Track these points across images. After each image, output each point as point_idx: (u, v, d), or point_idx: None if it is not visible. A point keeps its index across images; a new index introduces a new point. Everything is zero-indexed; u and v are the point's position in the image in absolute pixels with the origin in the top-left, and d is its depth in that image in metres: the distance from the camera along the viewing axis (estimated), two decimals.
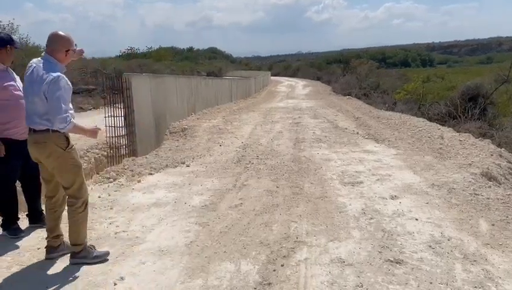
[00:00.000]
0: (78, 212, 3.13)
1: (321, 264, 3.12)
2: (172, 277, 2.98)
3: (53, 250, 3.27)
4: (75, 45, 3.23)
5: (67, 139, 3.06)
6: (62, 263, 3.19)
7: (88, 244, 3.25)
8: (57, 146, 3.02)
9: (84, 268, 3.10)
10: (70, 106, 3.11)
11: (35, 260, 3.25)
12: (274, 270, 3.04)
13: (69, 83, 3.06)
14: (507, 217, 4.02)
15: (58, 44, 3.08)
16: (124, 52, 42.59)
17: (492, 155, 6.59)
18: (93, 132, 3.23)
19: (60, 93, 2.92)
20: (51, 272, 3.07)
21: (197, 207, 4.46)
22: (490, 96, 17.91)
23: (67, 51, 3.11)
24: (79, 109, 13.23)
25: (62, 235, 3.32)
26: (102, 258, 3.20)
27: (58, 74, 2.97)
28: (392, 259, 3.17)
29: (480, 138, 8.50)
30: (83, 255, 3.17)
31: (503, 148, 7.70)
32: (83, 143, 7.63)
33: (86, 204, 3.19)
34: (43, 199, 4.07)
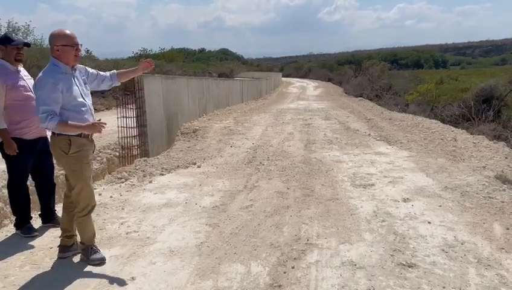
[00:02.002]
0: (79, 216, 3.16)
1: (332, 267, 3.10)
2: (183, 277, 2.98)
3: (66, 249, 3.31)
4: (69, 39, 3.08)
5: (70, 143, 3.03)
6: (74, 262, 3.22)
7: (93, 245, 3.26)
8: (60, 149, 3.06)
9: (96, 268, 3.12)
10: (76, 102, 3.05)
11: (48, 259, 3.28)
12: (284, 273, 3.02)
13: (56, 81, 2.95)
14: None
15: (49, 43, 3.09)
16: (137, 53, 42.93)
17: (506, 158, 6.48)
18: (90, 127, 3.02)
19: (40, 93, 2.95)
20: (63, 271, 3.10)
21: (207, 208, 4.47)
22: (505, 98, 17.67)
23: (54, 47, 3.03)
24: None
25: (76, 235, 3.34)
26: (96, 262, 3.18)
27: (42, 74, 2.99)
28: (404, 263, 3.13)
29: (494, 140, 8.37)
30: (83, 254, 3.23)
31: None
32: (95, 143, 7.70)
33: (89, 210, 3.16)
34: (56, 197, 4.14)
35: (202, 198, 4.82)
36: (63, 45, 3.04)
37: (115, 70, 3.51)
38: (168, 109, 9.73)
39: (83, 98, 3.14)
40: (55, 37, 3.05)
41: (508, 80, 19.73)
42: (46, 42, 18.07)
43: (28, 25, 18.48)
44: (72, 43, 3.07)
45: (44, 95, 2.94)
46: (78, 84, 3.14)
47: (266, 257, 3.28)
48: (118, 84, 3.53)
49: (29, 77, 3.78)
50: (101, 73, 3.44)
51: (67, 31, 3.09)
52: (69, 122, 2.99)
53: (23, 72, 3.76)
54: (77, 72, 3.20)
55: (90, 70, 3.39)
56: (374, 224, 3.93)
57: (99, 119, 3.09)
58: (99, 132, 3.06)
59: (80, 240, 3.27)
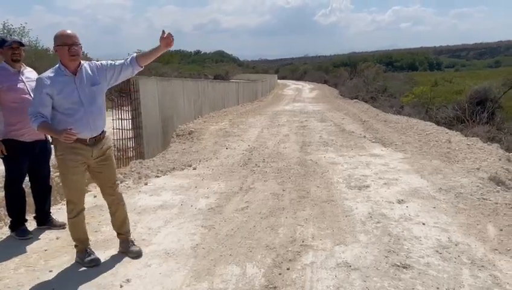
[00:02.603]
0: (68, 217, 3.20)
1: (327, 268, 3.11)
2: (178, 279, 2.98)
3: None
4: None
5: (57, 145, 3.03)
6: (69, 265, 3.22)
7: (88, 247, 3.28)
8: (55, 148, 3.10)
9: (91, 270, 3.12)
10: (69, 106, 2.98)
11: (42, 262, 3.27)
12: (280, 274, 3.03)
13: (45, 83, 2.92)
14: None
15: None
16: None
17: (500, 160, 6.53)
18: (60, 135, 2.84)
19: (33, 95, 3.01)
20: (58, 273, 3.09)
21: (203, 210, 4.47)
22: (498, 101, 17.82)
23: (54, 47, 3.01)
24: None
25: (123, 233, 3.43)
26: (90, 264, 3.17)
27: (39, 75, 3.06)
28: (398, 264, 3.15)
29: (488, 142, 8.43)
30: (78, 256, 3.25)
31: (511, 153, 7.63)
32: None
33: (78, 212, 3.16)
34: (52, 200, 4.13)
35: (198, 200, 4.82)
36: (58, 45, 2.98)
37: (134, 54, 3.23)
38: (163, 111, 9.73)
39: (81, 102, 3.01)
40: (55, 38, 3.00)
41: (501, 82, 19.90)
42: (41, 44, 18.02)
43: (24, 27, 18.45)
44: (64, 42, 2.94)
45: (34, 97, 3.00)
46: (79, 87, 3.02)
47: (261, 258, 3.29)
48: (140, 69, 3.24)
49: (34, 79, 3.74)
50: (118, 63, 3.19)
51: (67, 31, 3.00)
52: (48, 125, 2.94)
53: (29, 74, 3.72)
54: (84, 73, 3.06)
55: (108, 64, 3.18)
56: (368, 225, 3.95)
57: (70, 129, 2.83)
58: (66, 140, 2.84)
59: (74, 243, 3.28)
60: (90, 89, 3.08)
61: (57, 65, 3.05)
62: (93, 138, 3.09)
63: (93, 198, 4.73)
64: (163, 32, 3.05)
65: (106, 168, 3.24)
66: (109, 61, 3.22)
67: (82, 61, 3.09)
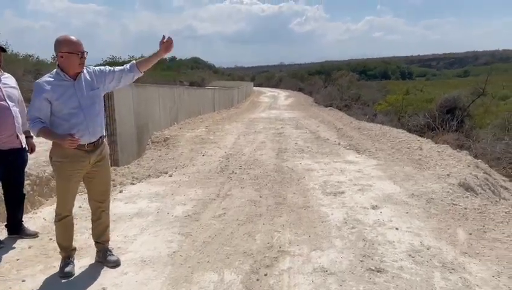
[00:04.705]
0: (54, 220, 3.17)
1: (304, 274, 3.15)
2: (155, 287, 2.96)
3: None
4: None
5: (53, 150, 2.99)
6: (42, 274, 3.15)
7: (68, 257, 3.21)
8: (51, 154, 3.03)
9: (66, 279, 3.06)
10: (68, 111, 2.93)
11: (14, 271, 3.18)
12: (257, 280, 3.05)
13: (44, 89, 2.88)
14: (484, 226, 4.13)
15: (54, 50, 2.95)
16: (106, 60, 42.22)
17: (469, 166, 6.76)
18: (63, 140, 2.85)
19: (32, 99, 2.92)
20: (31, 283, 3.02)
21: (180, 217, 4.45)
22: (467, 109, 18.45)
23: (58, 54, 2.93)
24: None
25: (101, 242, 3.36)
26: (64, 274, 3.11)
27: (37, 80, 2.98)
28: (373, 268, 3.22)
29: (457, 149, 8.71)
30: (60, 263, 3.20)
31: (479, 160, 7.92)
32: None
33: (60, 219, 3.11)
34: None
35: (174, 207, 4.79)
36: (67, 52, 2.91)
37: (134, 61, 3.22)
38: (138, 118, 9.63)
39: (80, 107, 2.97)
40: (60, 43, 2.92)
41: (470, 92, 20.62)
42: (11, 48, 17.59)
43: None
44: (77, 50, 2.92)
45: (32, 102, 2.91)
46: (79, 92, 2.98)
47: (239, 264, 3.30)
48: (141, 74, 3.23)
49: (12, 85, 3.64)
50: (117, 69, 3.18)
51: (74, 38, 2.94)
52: (49, 131, 2.90)
53: (6, 80, 3.62)
54: (82, 78, 3.02)
55: (107, 69, 3.16)
56: (344, 231, 4.02)
57: (73, 134, 2.87)
58: (69, 146, 2.86)
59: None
60: (89, 94, 3.04)
61: (55, 70, 2.99)
62: (91, 143, 3.05)
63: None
64: (164, 36, 3.07)
65: (98, 175, 3.19)
66: (108, 67, 3.20)
67: None
